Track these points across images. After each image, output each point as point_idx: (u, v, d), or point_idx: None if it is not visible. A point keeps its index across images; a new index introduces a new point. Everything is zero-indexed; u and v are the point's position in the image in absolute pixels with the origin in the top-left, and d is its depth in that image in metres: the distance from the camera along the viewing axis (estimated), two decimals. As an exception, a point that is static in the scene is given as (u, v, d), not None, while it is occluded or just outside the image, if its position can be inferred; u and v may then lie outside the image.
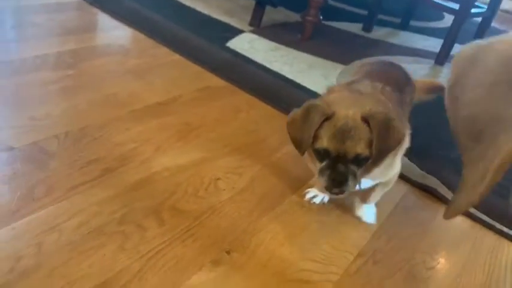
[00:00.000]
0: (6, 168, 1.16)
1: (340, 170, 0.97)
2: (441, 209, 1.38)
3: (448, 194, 1.42)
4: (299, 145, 1.02)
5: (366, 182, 1.12)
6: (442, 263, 1.18)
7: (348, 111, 0.97)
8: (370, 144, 0.96)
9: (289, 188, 1.32)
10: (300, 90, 1.92)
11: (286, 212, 1.23)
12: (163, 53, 2.04)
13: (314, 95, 1.81)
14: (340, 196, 1.07)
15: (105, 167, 1.24)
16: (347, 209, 1.28)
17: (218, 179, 1.30)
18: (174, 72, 1.89)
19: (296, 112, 1.03)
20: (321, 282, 1.04)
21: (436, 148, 1.70)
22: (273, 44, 2.33)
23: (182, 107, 1.63)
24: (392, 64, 1.46)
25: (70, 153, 1.27)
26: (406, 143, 1.17)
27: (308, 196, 1.27)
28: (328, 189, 1.02)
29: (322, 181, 1.01)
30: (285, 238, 1.14)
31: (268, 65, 2.07)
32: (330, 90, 1.15)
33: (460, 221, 1.36)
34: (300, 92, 1.90)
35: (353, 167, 0.99)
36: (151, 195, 1.19)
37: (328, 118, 0.97)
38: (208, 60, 2.01)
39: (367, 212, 1.25)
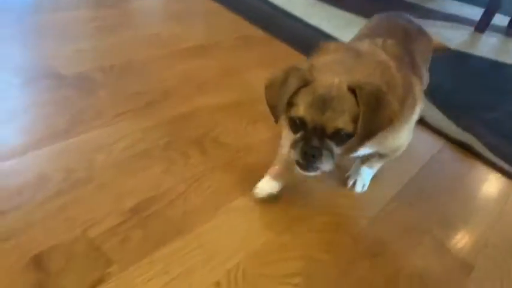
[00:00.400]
0: (56, 93, 1.20)
1: (314, 144, 0.83)
2: (476, 164, 1.38)
3: (483, 151, 1.42)
4: (273, 111, 0.88)
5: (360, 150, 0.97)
6: (476, 212, 1.19)
7: (334, 78, 0.82)
8: (355, 120, 0.81)
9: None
10: (338, 44, 1.91)
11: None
12: (202, 0, 2.04)
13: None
14: (313, 173, 0.91)
15: (149, 99, 1.27)
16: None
17: (257, 120, 1.32)
18: (213, 19, 1.90)
19: (276, 75, 0.89)
20: (357, 217, 1.06)
21: (475, 108, 1.68)
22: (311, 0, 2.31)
23: (222, 52, 1.64)
24: (400, 15, 1.26)
25: (115, 84, 1.30)
26: (419, 108, 1.01)
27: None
28: (298, 163, 0.88)
29: (293, 154, 0.87)
30: (323, 177, 1.16)
31: (306, 19, 2.06)
32: (325, 49, 0.96)
33: (494, 177, 1.36)
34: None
35: (330, 143, 0.84)
36: (193, 128, 1.21)
37: (307, 84, 0.83)
38: (246, 10, 2.00)
39: (363, 177, 1.15)
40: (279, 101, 0.85)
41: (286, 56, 1.74)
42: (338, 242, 0.99)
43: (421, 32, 1.22)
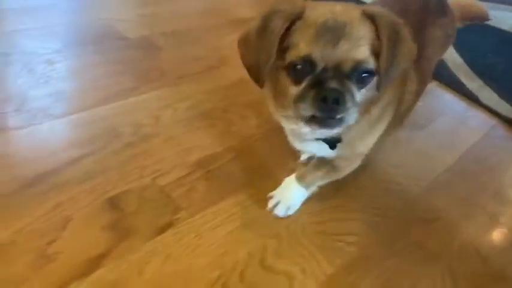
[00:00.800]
0: (122, 53, 1.26)
1: (333, 86, 0.61)
2: (530, 144, 1.37)
3: (538, 132, 1.40)
4: (255, 70, 0.67)
5: (323, 149, 0.80)
6: (529, 190, 1.19)
7: (335, 6, 0.65)
8: (375, 51, 0.63)
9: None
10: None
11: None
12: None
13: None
14: (336, 130, 0.69)
15: (208, 64, 1.32)
16: (436, 131, 1.29)
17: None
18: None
19: (250, 27, 0.68)
20: (409, 186, 1.08)
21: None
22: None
23: (275, 24, 1.67)
24: None
25: (177, 49, 1.35)
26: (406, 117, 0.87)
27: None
28: (313, 119, 0.65)
29: (303, 109, 0.64)
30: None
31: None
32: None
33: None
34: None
35: (351, 85, 0.63)
36: (250, 92, 1.25)
37: (299, 18, 0.64)
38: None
39: (290, 198, 0.92)
40: (262, 51, 0.64)
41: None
42: (391, 206, 1.01)
43: (443, 11, 1.02)
